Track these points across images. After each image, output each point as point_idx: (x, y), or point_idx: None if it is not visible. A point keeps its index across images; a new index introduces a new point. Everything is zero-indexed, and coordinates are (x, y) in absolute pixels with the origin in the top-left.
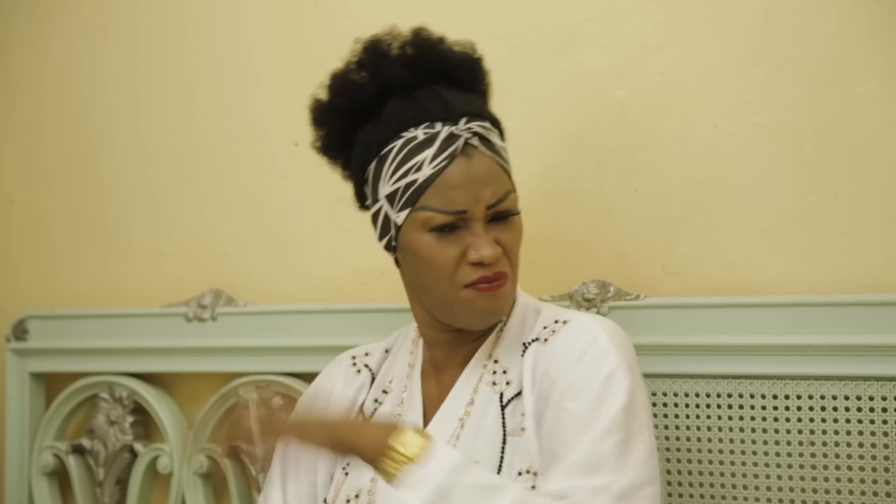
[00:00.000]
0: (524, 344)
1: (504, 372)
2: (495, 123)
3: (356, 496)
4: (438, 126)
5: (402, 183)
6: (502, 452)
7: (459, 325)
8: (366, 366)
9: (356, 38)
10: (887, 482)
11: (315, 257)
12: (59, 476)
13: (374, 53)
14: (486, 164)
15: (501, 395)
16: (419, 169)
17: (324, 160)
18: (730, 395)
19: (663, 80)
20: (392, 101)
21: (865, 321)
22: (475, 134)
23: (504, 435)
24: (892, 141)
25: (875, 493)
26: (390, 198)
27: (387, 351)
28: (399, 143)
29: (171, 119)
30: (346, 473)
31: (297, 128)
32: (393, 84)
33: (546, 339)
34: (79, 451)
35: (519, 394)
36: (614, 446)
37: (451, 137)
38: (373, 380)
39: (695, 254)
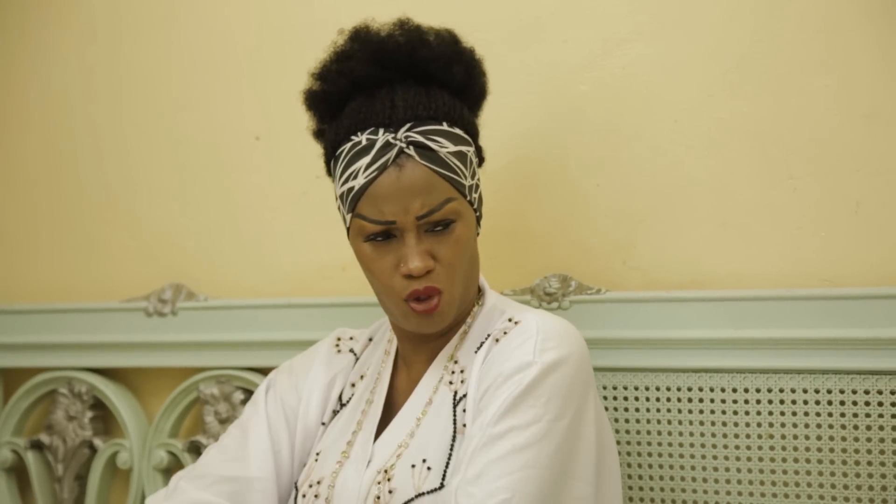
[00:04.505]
0: (481, 342)
1: (462, 371)
2: (456, 122)
3: (318, 482)
4: (380, 133)
5: (345, 188)
6: (451, 449)
7: (405, 329)
8: (350, 350)
9: (340, 29)
10: (845, 475)
11: (276, 252)
12: (18, 472)
13: (353, 45)
14: (418, 174)
15: (455, 393)
16: (356, 177)
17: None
18: (689, 389)
19: (625, 74)
20: (355, 99)
21: (824, 315)
22: (412, 143)
23: (454, 432)
24: (850, 136)
25: (833, 486)
26: (341, 199)
27: (370, 339)
28: (347, 146)
29: (130, 113)
30: (317, 460)
31: (258, 122)
32: (361, 81)
33: (497, 339)
34: (37, 446)
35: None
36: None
37: (387, 146)
38: (355, 363)
39: (656, 248)
